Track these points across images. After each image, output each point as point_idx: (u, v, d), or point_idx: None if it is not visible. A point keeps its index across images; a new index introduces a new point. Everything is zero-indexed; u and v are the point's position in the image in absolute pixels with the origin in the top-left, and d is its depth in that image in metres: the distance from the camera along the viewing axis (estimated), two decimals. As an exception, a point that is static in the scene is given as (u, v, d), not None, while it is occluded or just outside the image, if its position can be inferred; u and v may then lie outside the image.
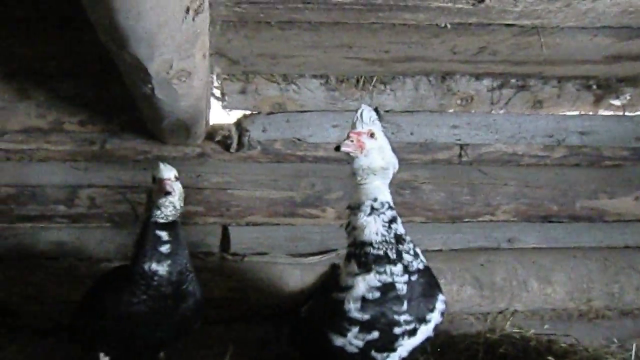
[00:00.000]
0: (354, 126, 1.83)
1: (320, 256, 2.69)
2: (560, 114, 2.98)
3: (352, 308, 1.71)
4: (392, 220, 1.81)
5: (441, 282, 2.63)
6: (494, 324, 2.49)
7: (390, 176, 1.89)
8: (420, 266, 1.80)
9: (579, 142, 2.96)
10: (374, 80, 2.79)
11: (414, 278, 1.75)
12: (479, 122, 2.89)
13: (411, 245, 1.81)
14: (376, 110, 2.76)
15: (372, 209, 1.79)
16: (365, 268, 1.74)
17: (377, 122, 1.89)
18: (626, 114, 3.05)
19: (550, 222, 2.93)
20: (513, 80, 2.90)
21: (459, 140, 2.88)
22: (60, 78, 2.58)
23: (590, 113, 3.01)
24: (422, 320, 1.75)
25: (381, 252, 1.74)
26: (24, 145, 2.59)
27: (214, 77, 2.62)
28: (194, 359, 2.34)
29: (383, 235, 1.77)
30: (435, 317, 1.79)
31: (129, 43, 1.50)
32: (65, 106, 2.61)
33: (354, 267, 1.77)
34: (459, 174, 2.86)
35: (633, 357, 1.77)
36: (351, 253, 1.81)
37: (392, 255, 1.75)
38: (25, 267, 2.51)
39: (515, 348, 2.04)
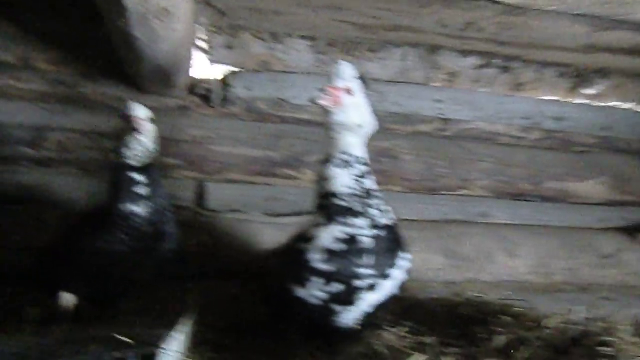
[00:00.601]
0: (331, 81, 1.78)
1: (296, 217, 2.68)
2: (539, 98, 3.07)
3: (315, 259, 1.69)
4: (363, 175, 1.78)
5: (413, 250, 2.71)
6: (459, 291, 2.56)
7: (366, 136, 1.86)
8: (388, 222, 1.79)
9: (553, 126, 3.06)
10: (362, 47, 2.78)
11: (379, 233, 1.73)
12: (462, 99, 2.93)
13: (380, 202, 1.79)
14: (362, 77, 2.76)
15: (343, 161, 1.77)
16: (331, 219, 1.72)
17: (356, 80, 1.85)
18: (597, 104, 3.17)
19: (520, 200, 3.03)
20: (497, 61, 2.95)
21: (442, 114, 2.91)
22: (29, 11, 2.42)
23: (565, 100, 3.11)
24: (385, 275, 1.74)
25: (348, 205, 1.72)
26: (-9, 81, 2.44)
27: (200, 27, 2.53)
28: (164, 313, 2.29)
29: (352, 188, 1.75)
30: (398, 274, 1.78)
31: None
32: (35, 42, 2.45)
33: (319, 218, 1.76)
34: (439, 148, 2.90)
35: (579, 316, 1.88)
36: (318, 204, 1.79)
37: (359, 208, 1.73)
38: (-11, 211, 2.38)
39: (475, 310, 2.11)
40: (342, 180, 1.76)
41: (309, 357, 1.81)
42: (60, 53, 2.51)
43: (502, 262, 2.85)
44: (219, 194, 2.65)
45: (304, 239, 1.79)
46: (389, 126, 2.86)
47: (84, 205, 2.47)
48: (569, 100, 3.11)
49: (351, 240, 1.70)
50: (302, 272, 1.71)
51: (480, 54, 2.89)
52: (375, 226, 1.74)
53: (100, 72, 2.55)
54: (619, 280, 3.07)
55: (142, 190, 1.95)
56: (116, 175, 1.96)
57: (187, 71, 2.48)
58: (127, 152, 1.95)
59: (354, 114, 1.81)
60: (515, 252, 2.88)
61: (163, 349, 1.37)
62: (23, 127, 2.46)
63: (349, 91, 1.82)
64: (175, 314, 1.96)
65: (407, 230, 2.68)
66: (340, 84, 1.80)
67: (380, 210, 1.79)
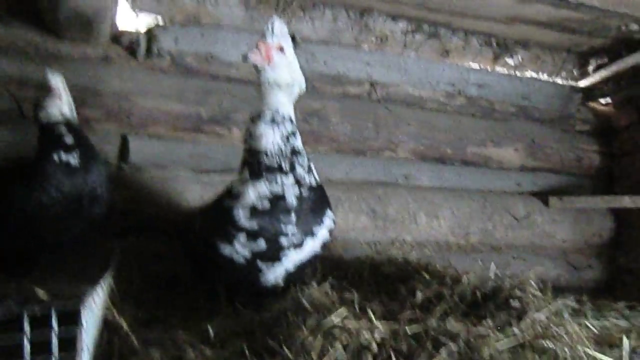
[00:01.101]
0: (263, 37, 1.78)
1: (223, 175, 2.66)
2: (464, 65, 3.17)
3: (241, 215, 1.71)
4: (291, 134, 1.81)
5: (339, 210, 2.80)
6: (382, 250, 2.67)
7: (296, 94, 1.89)
8: (313, 182, 1.83)
9: (476, 94, 3.18)
10: (294, 5, 2.74)
11: (305, 192, 1.77)
12: (391, 63, 2.99)
13: (306, 161, 1.83)
14: (292, 36, 2.75)
15: (272, 120, 1.78)
16: (257, 177, 1.74)
17: (288, 38, 1.86)
18: (517, 73, 3.33)
19: (443, 164, 3.15)
20: (426, 27, 3.02)
21: (371, 77, 2.96)
22: None
23: (488, 68, 3.24)
24: (309, 233, 1.80)
25: (274, 163, 1.75)
26: None
27: (126, -27, 2.42)
28: (86, 270, 2.23)
29: (279, 146, 1.77)
30: (322, 233, 1.84)
31: None
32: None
33: (246, 175, 1.77)
34: (366, 110, 2.96)
35: (492, 273, 2.02)
36: (245, 161, 1.81)
37: (286, 167, 1.76)
38: None
39: (397, 268, 2.20)
40: (271, 138, 1.77)
41: (232, 312, 1.84)
42: (-33, -8, 2.33)
43: (424, 222, 2.98)
44: (142, 149, 2.57)
45: (230, 195, 1.80)
46: (319, 87, 2.87)
47: (-4, 157, 2.35)
48: (492, 69, 3.25)
49: (277, 198, 1.73)
50: (228, 228, 1.73)
51: (410, 19, 2.94)
52: (300, 185, 1.77)
53: (13, 14, 2.39)
54: (530, 241, 3.29)
55: (69, 141, 1.97)
56: (43, 129, 1.97)
57: (110, 19, 2.36)
58: (43, 113, 1.97)
59: (285, 72, 1.81)
60: (437, 213, 3.01)
61: (83, 304, 1.35)
62: None
63: (280, 49, 1.82)
64: (98, 270, 1.93)
65: (333, 191, 2.79)
66: (272, 41, 1.80)
67: (306, 170, 1.82)
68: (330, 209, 1.92)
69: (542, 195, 3.35)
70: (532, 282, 1.91)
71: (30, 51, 2.43)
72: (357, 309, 1.71)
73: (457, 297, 1.85)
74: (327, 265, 2.34)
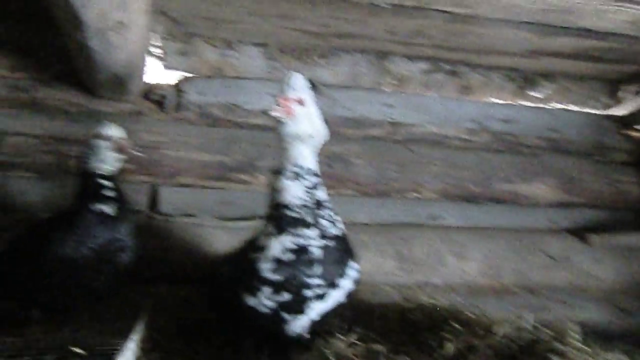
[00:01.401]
0: (282, 92, 1.85)
1: (249, 221, 2.73)
2: (486, 101, 3.17)
3: (265, 268, 1.74)
4: (314, 187, 1.84)
5: (364, 254, 2.78)
6: (410, 295, 2.63)
7: (318, 145, 1.93)
8: (337, 233, 1.84)
9: (501, 129, 3.15)
10: (313, 54, 2.84)
11: (329, 243, 1.78)
12: (412, 103, 3.02)
13: (330, 212, 1.85)
14: (313, 83, 2.82)
15: (295, 173, 1.82)
16: (281, 230, 1.77)
17: (307, 90, 1.92)
18: (544, 106, 3.29)
19: (470, 202, 3.11)
20: (444, 66, 3.05)
21: (392, 118, 3.00)
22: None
23: (513, 103, 3.22)
24: (333, 285, 1.80)
25: (298, 216, 1.78)
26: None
27: (155, 35, 2.57)
28: (117, 318, 2.30)
29: (302, 199, 1.80)
30: (346, 284, 1.83)
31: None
32: (-8, 49, 2.49)
33: (270, 228, 1.80)
34: (389, 151, 2.98)
35: (528, 324, 1.94)
36: (269, 215, 1.84)
37: (309, 219, 1.78)
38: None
39: (425, 315, 2.16)
40: (293, 192, 1.80)
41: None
42: (17, 59, 2.56)
43: (452, 264, 2.93)
44: (171, 198, 2.69)
45: (255, 248, 1.84)
46: (341, 130, 2.93)
47: (39, 209, 2.49)
48: (516, 102, 3.23)
49: (301, 250, 1.75)
50: (253, 281, 1.75)
51: (428, 59, 2.98)
52: (324, 236, 1.79)
53: (56, 77, 2.60)
54: (568, 282, 3.13)
55: (109, 193, 2.05)
56: (85, 180, 2.05)
57: (141, 77, 2.51)
58: (103, 166, 2.05)
59: (306, 124, 1.85)
60: (465, 255, 2.96)
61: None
62: (-21, 131, 2.47)
63: (300, 102, 1.88)
64: (129, 319, 1.99)
65: (358, 234, 2.80)
66: (292, 94, 1.85)
67: (331, 221, 1.84)
68: (355, 260, 1.93)
69: (579, 232, 3.22)
70: (574, 333, 1.83)
71: (71, 110, 2.61)
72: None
73: (490, 349, 1.79)
74: (353, 310, 2.33)
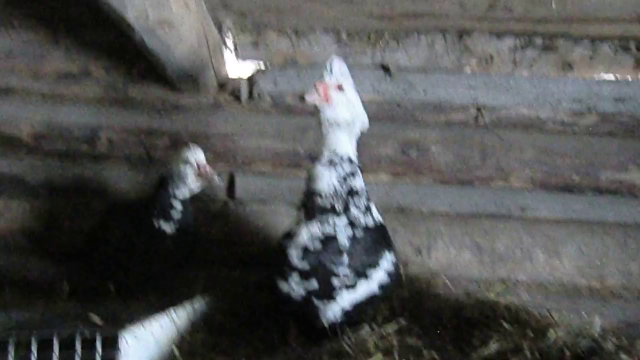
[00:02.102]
0: (322, 77, 1.84)
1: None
2: (593, 78, 2.76)
3: (294, 255, 1.75)
4: (350, 175, 1.81)
5: (438, 244, 2.64)
6: (483, 291, 2.43)
7: (357, 132, 1.89)
8: (370, 223, 1.79)
9: (613, 109, 2.73)
10: (386, 37, 2.73)
11: (358, 233, 1.75)
12: (499, 84, 2.75)
13: (364, 201, 1.80)
14: (386, 68, 2.73)
15: (330, 161, 1.81)
16: (311, 217, 1.77)
17: (348, 76, 1.88)
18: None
19: (569, 192, 2.75)
20: (538, 40, 2.71)
21: (476, 101, 2.76)
22: (86, 25, 2.77)
23: (629, 78, 2.76)
24: (363, 275, 1.76)
25: (328, 204, 1.76)
26: (56, 87, 2.84)
27: (225, 28, 2.69)
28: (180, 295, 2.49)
29: (335, 187, 1.78)
30: (378, 275, 1.78)
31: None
32: (92, 52, 2.82)
33: (301, 215, 1.82)
34: (471, 137, 2.76)
35: (596, 327, 1.67)
36: (302, 202, 1.85)
37: (339, 208, 1.76)
38: (50, 199, 2.78)
39: (480, 313, 1.98)
40: (326, 180, 1.80)
41: (284, 347, 1.89)
42: (111, 61, 2.85)
43: (542, 260, 2.63)
44: (246, 185, 2.80)
45: (287, 235, 1.88)
46: (417, 116, 2.79)
47: (129, 196, 2.78)
48: (634, 77, 2.75)
49: (328, 238, 1.74)
50: (284, 267, 1.79)
51: (517, 34, 2.68)
52: (354, 226, 1.77)
53: (144, 76, 2.84)
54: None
55: (175, 215, 2.24)
56: (160, 194, 2.24)
57: (213, 71, 2.64)
58: (184, 190, 2.23)
59: (344, 110, 1.84)
60: (558, 250, 2.64)
61: (124, 331, 1.52)
62: (81, 126, 2.82)
63: (339, 87, 1.86)
64: (184, 298, 2.15)
65: (433, 224, 2.66)
66: (331, 80, 1.86)
67: (364, 211, 1.81)
68: (391, 251, 1.85)
69: None
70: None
71: (157, 104, 2.85)
72: (397, 357, 1.61)
73: (537, 354, 1.61)
74: (408, 302, 2.23)
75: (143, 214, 2.22)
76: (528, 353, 1.60)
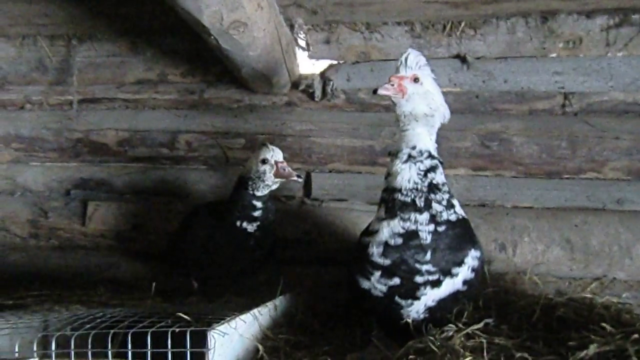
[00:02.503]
0: (397, 70, 1.81)
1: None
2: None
3: (375, 252, 1.72)
4: (430, 170, 1.75)
5: (524, 240, 2.51)
6: (577, 289, 2.27)
7: (437, 124, 1.84)
8: (452, 218, 1.73)
9: None
10: (462, 25, 2.62)
11: (441, 229, 1.69)
12: (589, 67, 2.57)
13: (446, 196, 1.74)
14: (463, 58, 2.63)
15: (409, 156, 1.76)
16: (391, 214, 1.73)
17: (426, 67, 1.83)
18: None
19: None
20: (636, 17, 2.50)
21: (563, 88, 2.59)
22: (163, 34, 2.87)
23: None
24: (447, 272, 1.70)
25: (409, 200, 1.72)
26: (137, 95, 2.96)
27: (297, 26, 2.69)
28: (262, 294, 2.51)
29: (415, 183, 1.73)
30: (463, 272, 1.72)
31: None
32: (169, 59, 2.92)
33: (382, 212, 1.78)
34: (557, 126, 2.59)
35: None
36: (382, 198, 1.81)
37: (420, 203, 1.71)
38: (134, 201, 2.91)
39: (575, 313, 1.84)
40: (406, 175, 1.76)
41: (367, 346, 1.85)
42: (188, 66, 2.94)
43: (644, 257, 2.42)
44: (323, 183, 2.78)
45: (367, 232, 1.86)
46: (499, 106, 2.65)
47: (208, 197, 2.85)
48: None
49: (409, 235, 1.71)
50: (365, 264, 1.77)
51: (610, 11, 2.48)
52: (437, 222, 1.72)
53: (220, 79, 2.90)
54: None
55: (256, 214, 2.25)
56: (241, 198, 2.26)
57: (286, 70, 2.65)
58: (262, 187, 2.24)
59: (421, 103, 1.80)
60: (663, 246, 2.41)
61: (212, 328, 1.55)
62: (161, 131, 2.93)
63: (415, 79, 1.81)
64: (271, 297, 2.16)
65: (519, 219, 2.53)
66: (406, 72, 1.81)
67: (446, 206, 1.75)
68: (476, 248, 1.77)
69: None
70: None
71: (233, 106, 2.90)
72: (486, 357, 1.52)
73: None
74: (498, 300, 2.12)
75: (225, 214, 2.25)
76: (635, 358, 1.47)
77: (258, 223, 2.24)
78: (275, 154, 2.22)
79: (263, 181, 2.21)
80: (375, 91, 1.77)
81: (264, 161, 2.21)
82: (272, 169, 2.20)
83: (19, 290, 2.39)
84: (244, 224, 2.23)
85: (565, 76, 2.58)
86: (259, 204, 2.23)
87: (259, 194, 2.23)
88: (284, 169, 2.21)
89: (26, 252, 2.95)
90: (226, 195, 2.42)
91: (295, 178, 2.22)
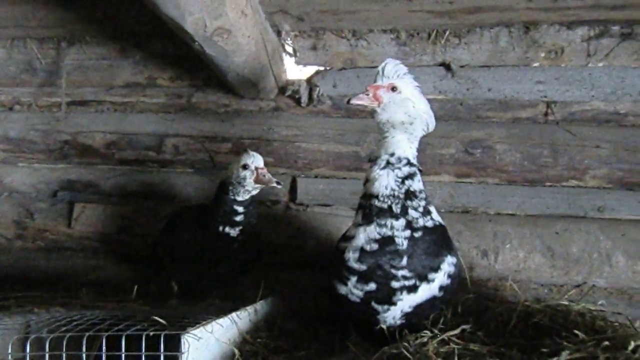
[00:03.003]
0: (375, 80, 1.83)
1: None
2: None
3: (351, 257, 1.74)
4: (408, 177, 1.78)
5: (506, 247, 2.53)
6: (557, 296, 2.29)
7: (417, 132, 1.85)
8: (429, 224, 1.75)
9: None
10: (447, 34, 2.64)
11: (417, 235, 1.71)
12: (571, 77, 2.59)
13: (422, 203, 1.77)
14: (447, 65, 2.65)
15: (388, 163, 1.79)
16: (368, 220, 1.75)
17: (406, 76, 1.85)
18: None
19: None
20: (615, 28, 2.53)
21: (545, 97, 2.62)
22: (152, 38, 2.89)
23: None
24: (424, 278, 1.72)
25: (385, 206, 1.74)
26: (126, 98, 2.99)
27: (284, 33, 2.71)
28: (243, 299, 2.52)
29: (392, 189, 1.75)
30: (439, 277, 1.74)
31: (157, 4, 1.68)
32: (158, 63, 2.94)
33: (359, 217, 1.80)
34: (540, 134, 2.61)
35: None
36: (360, 204, 1.84)
37: (397, 209, 1.73)
38: (121, 204, 2.92)
39: (551, 319, 1.86)
40: (384, 182, 1.79)
41: (344, 351, 1.86)
42: (176, 71, 2.96)
43: (622, 264, 2.44)
44: (308, 188, 2.80)
45: (345, 237, 1.88)
46: (483, 114, 2.68)
47: (194, 200, 2.87)
48: None
49: (386, 240, 1.73)
50: (341, 269, 1.79)
51: (590, 23, 2.51)
52: (413, 228, 1.74)
53: (208, 84, 2.92)
54: None
55: (238, 218, 2.26)
56: (222, 200, 2.27)
57: (273, 76, 2.67)
58: (241, 192, 2.24)
59: (399, 110, 1.82)
60: (643, 254, 2.44)
61: (188, 332, 1.56)
62: (148, 134, 2.95)
63: (393, 88, 1.84)
64: (252, 301, 2.18)
65: (500, 226, 2.56)
66: (382, 82, 1.84)
67: (422, 212, 1.77)
68: (452, 254, 1.80)
69: None
70: None
71: (220, 111, 2.92)
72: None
73: None
74: (475, 307, 2.15)
75: (208, 219, 2.27)
76: (604, 366, 1.49)
77: (241, 227, 2.26)
78: (255, 160, 2.24)
79: (243, 186, 2.22)
80: (348, 101, 1.80)
81: (245, 167, 2.23)
82: (252, 175, 2.22)
83: (2, 292, 2.40)
84: (227, 229, 2.25)
85: (548, 85, 2.61)
86: (240, 209, 2.25)
87: (239, 198, 2.24)
88: (264, 175, 2.23)
89: (11, 253, 2.97)
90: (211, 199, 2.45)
91: (275, 184, 2.23)
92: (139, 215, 2.86)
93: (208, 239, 2.26)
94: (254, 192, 2.26)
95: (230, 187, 2.23)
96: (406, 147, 1.83)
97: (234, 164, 2.26)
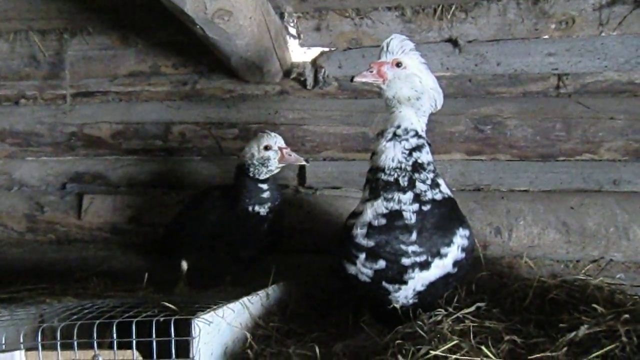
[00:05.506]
0: (379, 56, 1.80)
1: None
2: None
3: (359, 234, 1.70)
4: (416, 149, 1.73)
5: (520, 224, 2.49)
6: (580, 271, 2.25)
7: (425, 107, 1.82)
8: (438, 197, 1.71)
9: None
10: (453, 9, 2.58)
11: (426, 208, 1.67)
12: (583, 48, 2.53)
13: (430, 175, 1.72)
14: (454, 41, 2.60)
15: (394, 134, 1.75)
16: (375, 194, 1.71)
17: (412, 52, 1.81)
18: None
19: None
20: (628, -5, 2.46)
21: (556, 69, 2.55)
22: (154, 26, 2.85)
23: None
24: (436, 253, 1.67)
25: (392, 179, 1.70)
26: (130, 87, 2.96)
27: (287, 14, 2.66)
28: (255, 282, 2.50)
29: (399, 161, 1.71)
30: (452, 252, 1.69)
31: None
32: (161, 51, 2.92)
33: (366, 193, 1.77)
34: (552, 108, 2.55)
35: None
36: (367, 179, 1.80)
37: (403, 182, 1.69)
38: (129, 193, 2.91)
39: (568, 294, 1.82)
40: (390, 154, 1.75)
41: (357, 332, 1.84)
42: (180, 58, 2.93)
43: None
44: (317, 171, 2.76)
45: (353, 214, 1.84)
46: (492, 90, 2.62)
47: (204, 186, 2.84)
48: None
49: (393, 215, 1.68)
50: (349, 247, 1.75)
51: (602, -10, 2.44)
52: (421, 201, 1.69)
53: (212, 69, 2.89)
54: None
55: (265, 195, 2.26)
56: (244, 182, 2.26)
57: (277, 58, 2.63)
58: (264, 171, 2.24)
59: (404, 86, 1.79)
60: (662, 226, 2.38)
61: (198, 317, 1.54)
62: (154, 123, 2.93)
63: (398, 64, 1.80)
64: (263, 286, 2.16)
65: (513, 202, 2.51)
66: (387, 57, 1.81)
67: (430, 185, 1.73)
68: (464, 227, 1.75)
69: None
70: None
71: (225, 96, 2.89)
72: (473, 342, 1.51)
73: (636, 337, 1.46)
74: (489, 283, 2.11)
75: (235, 200, 2.26)
76: (625, 338, 1.45)
77: (269, 204, 2.25)
78: (278, 140, 2.23)
79: (267, 167, 2.21)
80: (352, 79, 1.77)
81: (267, 147, 2.21)
82: (276, 155, 2.21)
83: (15, 285, 2.42)
84: (257, 208, 2.24)
85: (559, 57, 2.54)
86: (264, 186, 2.25)
87: (262, 177, 2.23)
88: (290, 155, 2.23)
89: (23, 246, 2.98)
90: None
91: (303, 162, 2.25)
92: (148, 205, 2.85)
93: (238, 219, 2.25)
94: (276, 172, 2.26)
95: (251, 169, 2.22)
96: (414, 120, 1.79)
97: (253, 145, 2.24)
